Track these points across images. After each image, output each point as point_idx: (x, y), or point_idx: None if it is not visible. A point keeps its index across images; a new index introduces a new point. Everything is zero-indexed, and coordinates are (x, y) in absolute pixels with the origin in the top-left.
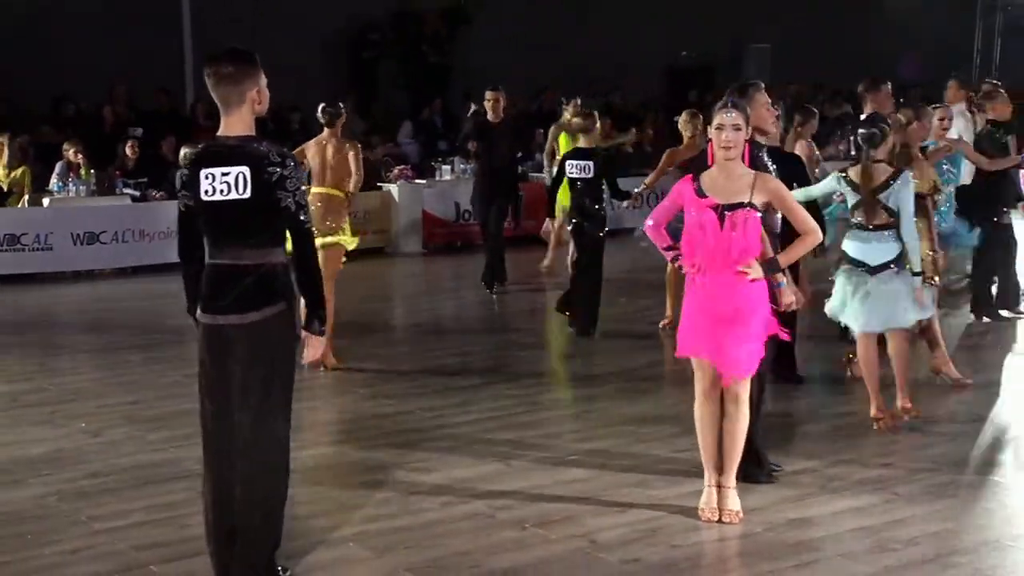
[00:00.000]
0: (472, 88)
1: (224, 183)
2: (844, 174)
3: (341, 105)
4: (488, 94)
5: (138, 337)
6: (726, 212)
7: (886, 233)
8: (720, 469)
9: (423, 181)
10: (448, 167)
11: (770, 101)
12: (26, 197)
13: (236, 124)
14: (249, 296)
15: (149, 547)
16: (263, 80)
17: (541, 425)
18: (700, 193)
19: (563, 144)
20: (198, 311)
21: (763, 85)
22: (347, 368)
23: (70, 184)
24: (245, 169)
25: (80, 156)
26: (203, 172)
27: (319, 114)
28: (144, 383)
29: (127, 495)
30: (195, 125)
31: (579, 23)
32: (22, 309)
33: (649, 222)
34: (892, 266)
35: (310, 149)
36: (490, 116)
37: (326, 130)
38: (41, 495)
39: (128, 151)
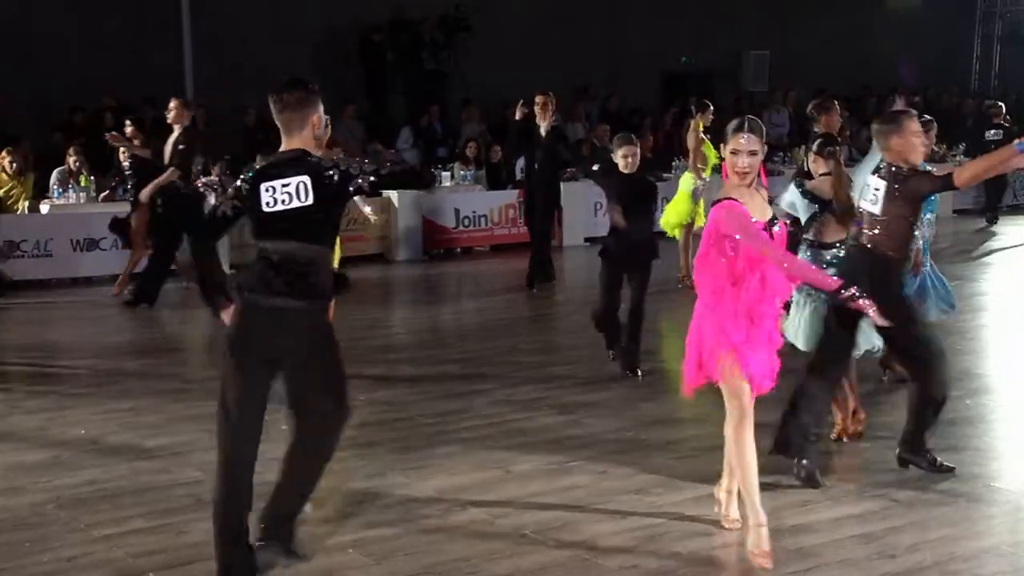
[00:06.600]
0: (471, 94)
1: (285, 194)
2: (802, 187)
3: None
4: (538, 98)
5: (137, 343)
6: (769, 228)
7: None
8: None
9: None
10: (448, 174)
11: (921, 129)
12: (25, 204)
13: (296, 145)
14: (299, 286)
15: (147, 554)
16: (321, 107)
17: (540, 432)
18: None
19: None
20: (244, 292)
21: (915, 113)
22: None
23: (69, 190)
24: (306, 178)
25: (79, 163)
26: (263, 186)
27: None
28: (142, 390)
29: (125, 502)
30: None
31: (577, 29)
32: (21, 315)
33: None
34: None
35: None
36: (539, 120)
37: None
38: (39, 502)
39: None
